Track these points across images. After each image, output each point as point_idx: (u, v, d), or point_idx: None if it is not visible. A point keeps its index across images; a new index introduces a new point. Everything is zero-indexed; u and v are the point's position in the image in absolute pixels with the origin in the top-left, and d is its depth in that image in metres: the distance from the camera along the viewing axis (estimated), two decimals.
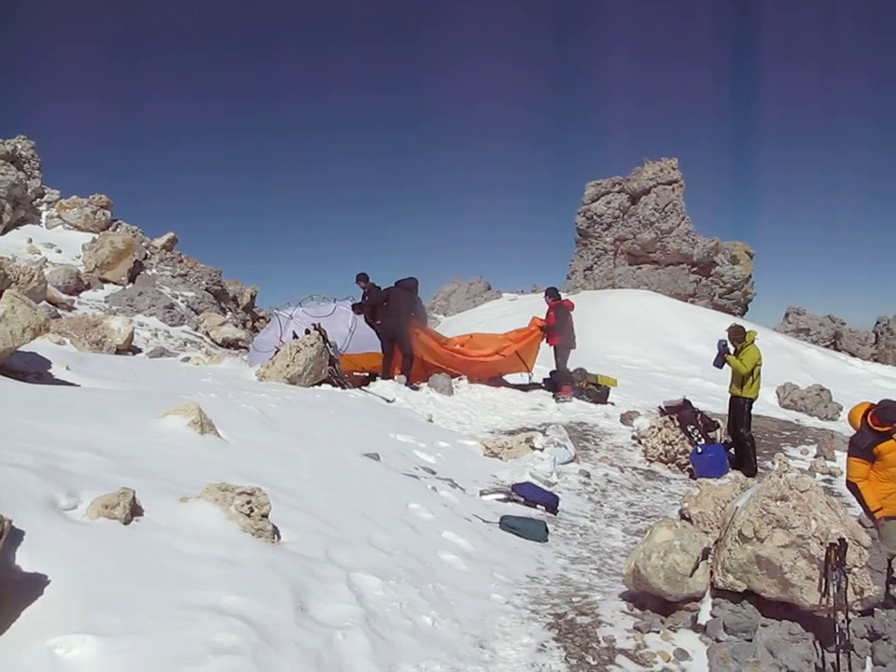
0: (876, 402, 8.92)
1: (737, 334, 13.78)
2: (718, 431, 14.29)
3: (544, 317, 17.91)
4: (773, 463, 13.80)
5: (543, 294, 18.91)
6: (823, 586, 6.20)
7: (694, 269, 41.90)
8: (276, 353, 14.70)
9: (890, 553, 8.23)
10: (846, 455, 8.87)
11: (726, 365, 13.81)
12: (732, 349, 13.81)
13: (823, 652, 6.29)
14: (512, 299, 42.35)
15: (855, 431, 8.84)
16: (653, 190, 42.23)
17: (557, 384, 17.48)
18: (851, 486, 8.74)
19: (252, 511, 5.83)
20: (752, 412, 14.27)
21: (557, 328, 17.35)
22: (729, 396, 14.14)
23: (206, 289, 26.38)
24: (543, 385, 18.04)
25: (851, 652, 6.27)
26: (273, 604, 4.92)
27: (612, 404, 17.22)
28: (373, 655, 4.96)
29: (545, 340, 17.76)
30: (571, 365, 18.26)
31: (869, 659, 6.70)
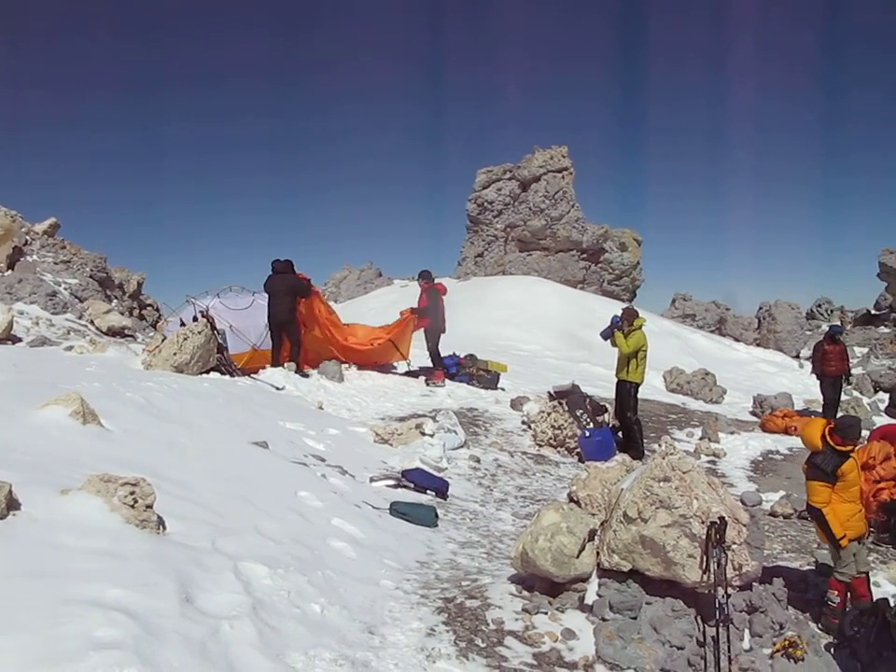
0: (834, 420, 8.79)
1: (630, 316, 14.00)
2: (606, 415, 14.52)
3: (417, 300, 17.81)
4: (659, 446, 14.01)
5: (417, 277, 18.85)
6: (704, 563, 6.37)
7: (584, 256, 42.38)
8: (163, 341, 14.42)
9: (845, 574, 8.46)
10: (806, 478, 8.26)
11: (613, 349, 14.03)
12: (623, 329, 14.04)
13: (704, 627, 6.48)
14: (404, 285, 42.31)
15: (812, 451, 8.35)
16: (544, 178, 42.56)
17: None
18: (815, 512, 8.29)
19: (136, 502, 5.72)
20: (639, 396, 14.54)
21: (428, 310, 17.25)
22: (616, 380, 14.37)
23: (91, 276, 25.63)
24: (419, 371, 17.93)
25: (731, 625, 6.46)
26: (157, 596, 4.84)
27: (502, 390, 17.32)
28: (261, 644, 4.92)
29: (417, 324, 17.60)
30: (462, 350, 18.32)
31: (747, 631, 6.92)
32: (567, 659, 6.05)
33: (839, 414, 19.77)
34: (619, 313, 14.24)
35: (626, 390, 14.15)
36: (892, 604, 7.73)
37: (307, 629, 5.40)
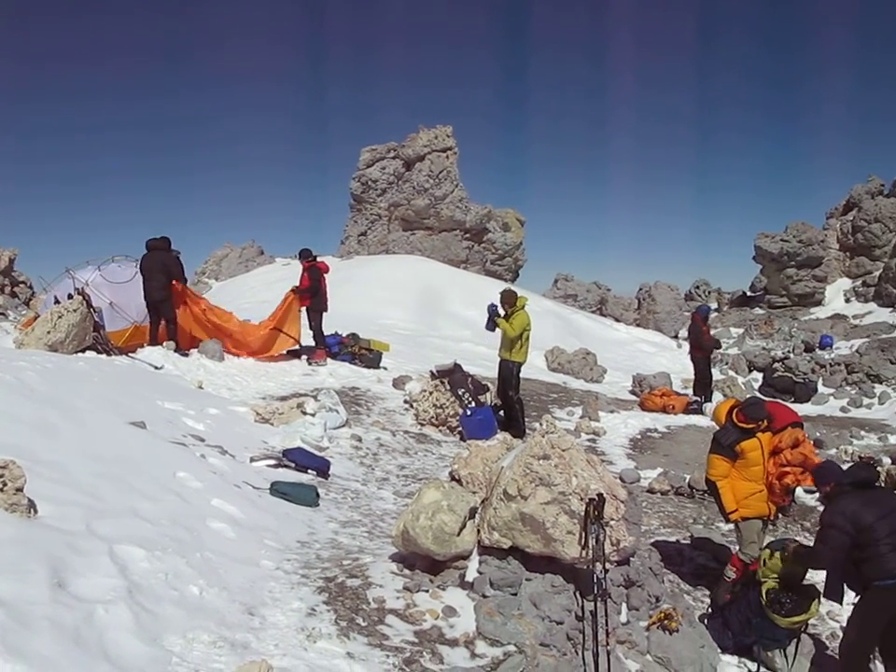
0: (742, 399, 9.01)
1: (509, 299, 14.09)
2: (488, 394, 14.64)
3: (298, 280, 17.54)
4: (540, 424, 14.23)
5: (297, 255, 18.61)
6: (583, 539, 6.47)
7: (467, 235, 42.56)
8: (36, 319, 13.99)
9: (747, 554, 8.65)
10: (708, 452, 8.65)
11: (497, 329, 14.13)
12: (502, 312, 14.12)
13: (583, 601, 6.60)
14: (286, 264, 41.85)
15: (718, 427, 8.75)
16: (428, 157, 42.55)
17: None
18: (710, 484, 8.60)
19: (4, 485, 5.52)
20: (521, 375, 14.68)
21: (311, 290, 17.06)
22: (499, 360, 14.47)
23: None
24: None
25: (608, 600, 6.58)
26: (26, 582, 4.70)
27: (385, 369, 17.31)
28: (137, 628, 4.83)
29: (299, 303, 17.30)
30: (344, 329, 18.24)
31: (625, 605, 7.08)
32: (449, 636, 6.08)
33: (716, 395, 20.38)
34: (494, 302, 14.30)
35: (509, 369, 14.27)
36: (759, 574, 8.00)
37: (185, 612, 5.31)
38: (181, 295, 16.05)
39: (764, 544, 8.91)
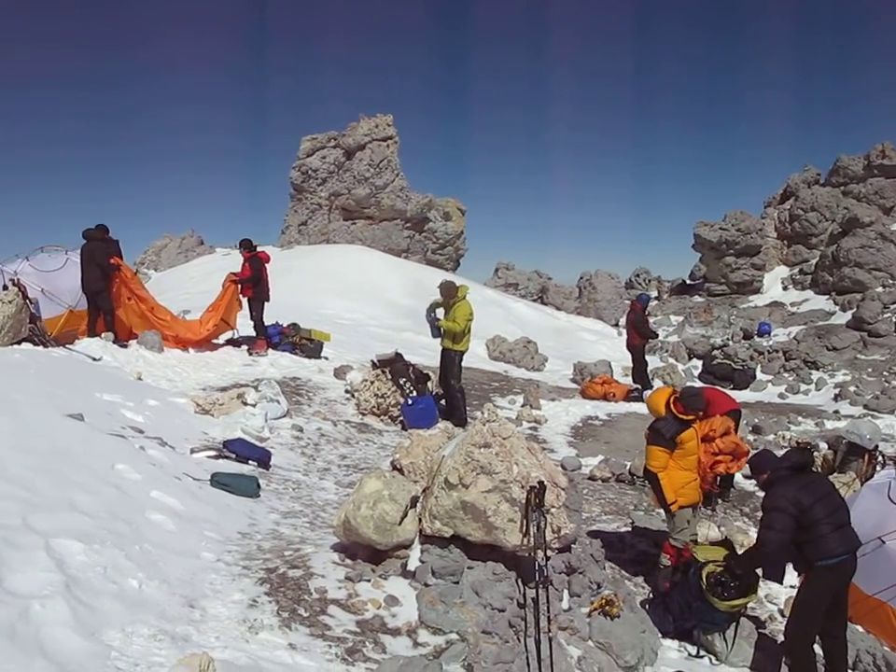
0: (680, 389, 9.02)
1: (449, 290, 14.06)
2: (429, 383, 14.63)
3: (239, 269, 17.30)
4: (482, 413, 14.29)
5: (237, 245, 18.40)
6: (524, 527, 6.50)
7: (408, 225, 42.48)
8: None
9: (679, 540, 8.73)
10: (646, 442, 8.62)
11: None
12: (441, 315, 14.09)
13: (525, 589, 6.63)
14: (226, 254, 41.44)
15: (655, 418, 8.71)
16: (368, 146, 42.36)
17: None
18: (650, 475, 8.60)
19: None
20: (463, 364, 14.69)
21: (253, 279, 16.87)
22: (441, 349, 14.46)
23: None
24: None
25: (550, 587, 6.64)
26: None
27: (326, 359, 17.22)
28: (75, 623, 4.77)
29: (241, 293, 17.09)
30: (285, 319, 18.11)
31: (566, 591, 7.13)
32: (391, 625, 6.09)
33: (657, 382, 20.59)
34: (432, 311, 14.27)
35: (451, 358, 14.27)
36: (700, 558, 8.11)
37: (124, 605, 5.26)
38: (127, 283, 15.80)
39: (698, 529, 9.06)
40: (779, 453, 14.45)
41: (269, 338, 17.14)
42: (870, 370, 26.80)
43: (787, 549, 7.08)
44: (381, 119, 43.74)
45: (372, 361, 14.94)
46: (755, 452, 8.08)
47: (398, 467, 7.78)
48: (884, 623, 8.47)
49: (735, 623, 7.82)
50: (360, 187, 41.59)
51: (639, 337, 20.79)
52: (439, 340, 14.41)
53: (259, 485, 8.94)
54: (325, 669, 5.32)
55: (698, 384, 22.27)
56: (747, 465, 8.06)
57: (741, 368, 25.68)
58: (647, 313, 21.42)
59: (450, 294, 14.02)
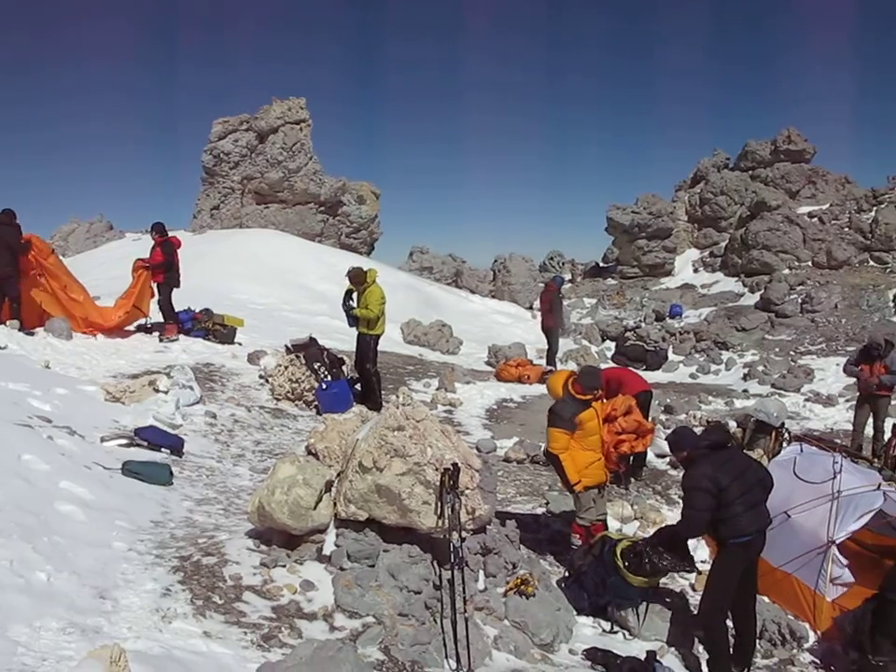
0: (577, 370, 9.06)
1: (358, 277, 14.01)
2: (344, 367, 14.57)
3: (149, 254, 16.89)
4: (397, 396, 14.29)
5: (149, 230, 17.98)
6: (439, 509, 6.52)
7: (322, 209, 42.11)
8: None
9: (585, 519, 8.80)
10: (547, 425, 8.62)
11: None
12: (353, 301, 14.05)
13: (440, 570, 6.67)
14: (136, 238, 40.65)
15: (559, 399, 8.68)
16: (281, 129, 41.84)
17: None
18: (552, 457, 8.59)
19: None
20: (378, 348, 14.66)
21: (164, 265, 16.53)
22: (356, 333, 14.40)
23: None
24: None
25: (466, 568, 6.67)
26: None
27: (239, 344, 17.01)
28: None
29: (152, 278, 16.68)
30: (197, 305, 17.86)
31: (482, 572, 7.18)
32: (307, 610, 6.07)
33: (570, 364, 20.78)
34: (348, 300, 14.22)
35: (366, 342, 14.23)
36: (616, 536, 8.24)
37: (32, 599, 5.15)
38: (40, 259, 15.34)
39: (610, 508, 9.19)
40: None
41: (181, 323, 16.87)
42: (777, 349, 27.41)
43: (706, 525, 7.23)
44: (294, 101, 43.25)
45: (286, 346, 14.84)
46: (674, 429, 8.15)
47: (312, 451, 7.74)
48: (789, 593, 8.76)
49: (647, 599, 7.96)
50: (273, 170, 41.12)
51: (554, 319, 21.01)
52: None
53: (171, 473, 8.82)
54: (240, 656, 5.28)
55: (611, 365, 22.55)
56: (666, 442, 8.14)
57: (653, 349, 26.07)
58: (561, 295, 21.61)
59: (359, 280, 13.97)
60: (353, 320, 14.21)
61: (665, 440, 8.02)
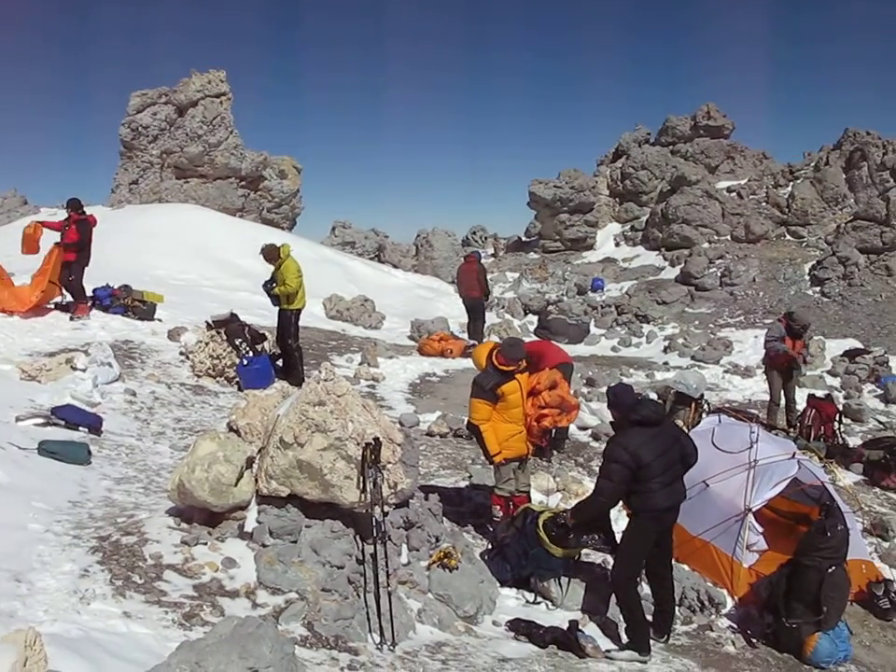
0: (501, 341, 9.06)
1: (271, 254, 13.92)
2: (266, 343, 14.45)
3: (62, 232, 16.33)
4: (319, 372, 14.23)
5: (65, 205, 17.50)
6: (361, 484, 6.51)
7: (243, 183, 41.60)
8: None
9: (504, 489, 8.83)
10: (470, 396, 8.64)
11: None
12: (271, 278, 13.98)
13: (363, 545, 6.67)
14: (52, 214, 39.72)
15: (482, 371, 8.71)
16: (201, 103, 41.16)
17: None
18: (473, 428, 8.64)
19: None
20: (300, 323, 14.58)
21: (79, 244, 15.91)
22: (277, 308, 14.30)
23: None
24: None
25: (388, 542, 6.69)
26: None
27: (159, 321, 16.74)
28: None
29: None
30: (115, 281, 17.53)
31: (405, 546, 7.21)
32: (229, 587, 6.04)
33: (493, 337, 20.86)
34: (267, 281, 14.15)
35: (287, 317, 14.15)
36: (538, 508, 8.32)
37: None
38: None
39: (533, 480, 9.28)
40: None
41: (99, 300, 16.52)
42: (697, 322, 27.84)
43: (621, 496, 7.33)
44: (213, 74, 42.56)
45: (207, 322, 14.66)
46: (616, 385, 8.16)
47: (234, 428, 7.67)
48: (707, 561, 8.97)
49: (569, 569, 8.06)
50: (193, 144, 40.48)
51: (481, 290, 21.13)
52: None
53: (89, 452, 8.68)
54: (161, 636, 5.23)
55: (533, 339, 22.67)
56: (607, 389, 8.17)
57: (575, 322, 26.25)
58: (478, 267, 21.70)
59: (272, 256, 13.90)
60: (276, 300, 14.12)
61: (607, 392, 8.04)
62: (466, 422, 9.41)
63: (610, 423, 7.74)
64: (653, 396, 15.10)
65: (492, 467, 9.07)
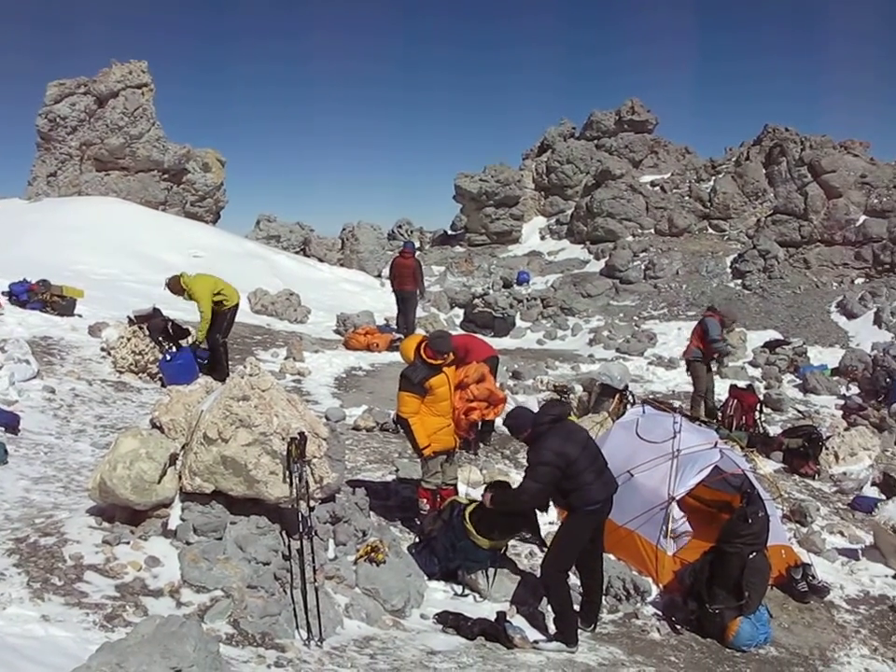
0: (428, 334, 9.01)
1: (175, 286, 13.60)
2: (189, 338, 14.24)
3: None
4: (244, 367, 14.07)
5: None
6: (286, 479, 6.46)
7: (165, 176, 40.98)
8: None
9: (431, 482, 8.81)
10: (398, 389, 8.62)
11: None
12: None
13: (290, 540, 6.62)
14: None
15: (409, 364, 8.68)
16: (122, 94, 40.39)
17: None
18: (402, 421, 8.64)
19: None
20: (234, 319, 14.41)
21: None
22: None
23: None
24: None
25: (315, 537, 6.66)
26: None
27: (79, 316, 16.40)
28: None
29: None
30: (33, 276, 17.15)
31: (332, 541, 7.19)
32: (153, 587, 5.95)
33: (419, 331, 20.83)
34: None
35: (223, 315, 13.90)
36: (464, 500, 8.33)
37: None
38: None
39: (459, 473, 9.29)
40: (538, 397, 15.05)
41: (12, 295, 16.12)
42: (622, 315, 28.18)
43: (546, 498, 7.40)
44: (135, 64, 41.79)
45: (129, 317, 14.38)
46: (508, 413, 8.17)
47: (157, 425, 7.54)
48: (633, 550, 9.11)
49: (496, 561, 8.09)
50: (114, 136, 39.74)
51: (416, 285, 21.19)
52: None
53: (6, 451, 8.49)
54: (82, 638, 5.11)
55: (460, 332, 22.73)
56: (504, 419, 8.20)
57: (501, 316, 26.34)
58: (403, 261, 21.70)
59: (178, 288, 13.61)
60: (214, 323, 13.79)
61: (504, 425, 8.08)
62: (394, 415, 9.40)
63: (526, 442, 7.72)
64: (579, 388, 15.23)
65: (419, 460, 9.06)
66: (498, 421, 12.44)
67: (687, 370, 16.03)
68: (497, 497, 7.75)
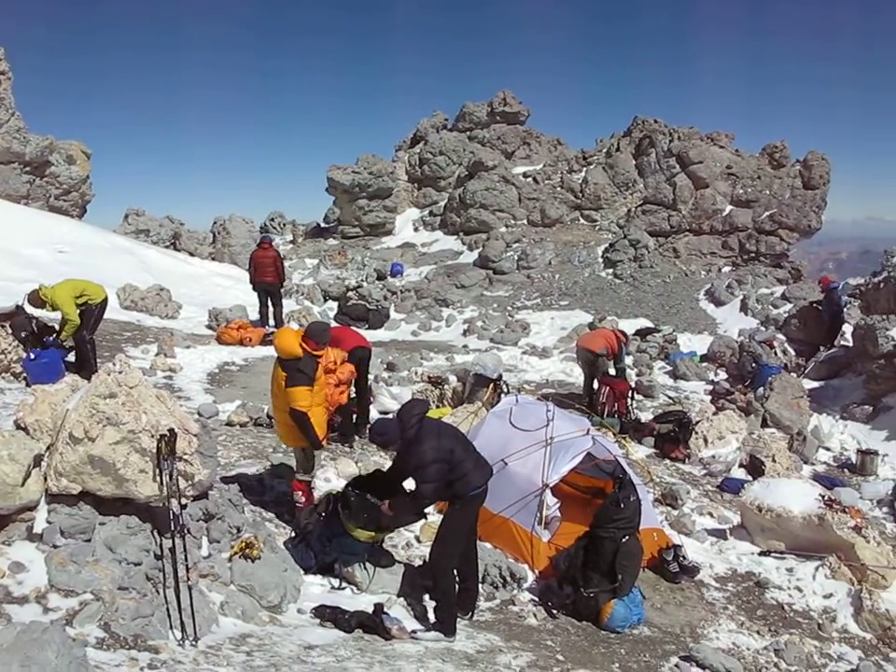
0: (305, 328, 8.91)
1: (36, 301, 13.14)
2: (55, 336, 13.84)
3: None
4: (113, 364, 13.73)
5: None
6: (157, 477, 6.35)
7: (27, 169, 39.74)
8: None
9: (308, 474, 8.77)
10: (286, 384, 8.35)
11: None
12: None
13: (162, 539, 6.50)
14: None
15: (288, 358, 8.42)
16: None
17: None
18: (298, 415, 8.37)
19: None
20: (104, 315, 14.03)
21: None
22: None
23: None
24: None
25: (188, 535, 6.56)
26: None
27: None
28: None
29: None
30: None
31: (205, 538, 7.10)
32: (18, 593, 5.75)
33: (293, 325, 20.70)
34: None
35: (91, 312, 13.50)
36: (341, 492, 8.32)
37: None
38: None
39: (336, 466, 9.30)
40: (413, 388, 15.10)
41: None
42: (495, 305, 28.48)
43: (440, 494, 7.46)
44: None
45: None
46: (372, 428, 8.08)
47: (22, 426, 7.30)
48: (508, 537, 9.24)
49: (373, 554, 8.10)
50: None
51: (277, 276, 20.98)
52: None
53: None
54: None
55: (334, 325, 22.64)
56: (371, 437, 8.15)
57: (375, 308, 26.37)
58: (261, 253, 21.55)
59: (39, 303, 13.14)
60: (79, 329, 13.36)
61: (373, 442, 8.04)
62: (268, 410, 9.33)
63: (397, 454, 7.73)
64: (453, 378, 15.33)
65: (293, 453, 9.03)
66: (374, 412, 12.52)
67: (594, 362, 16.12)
68: (396, 505, 7.75)
